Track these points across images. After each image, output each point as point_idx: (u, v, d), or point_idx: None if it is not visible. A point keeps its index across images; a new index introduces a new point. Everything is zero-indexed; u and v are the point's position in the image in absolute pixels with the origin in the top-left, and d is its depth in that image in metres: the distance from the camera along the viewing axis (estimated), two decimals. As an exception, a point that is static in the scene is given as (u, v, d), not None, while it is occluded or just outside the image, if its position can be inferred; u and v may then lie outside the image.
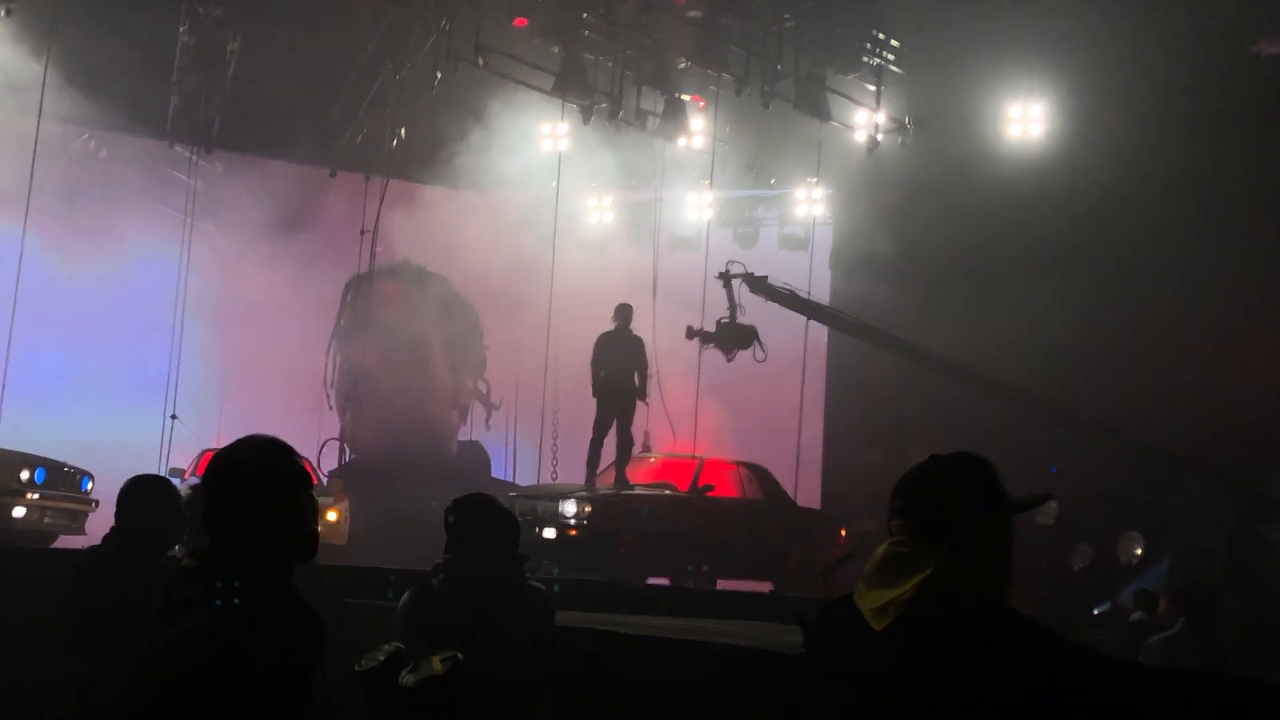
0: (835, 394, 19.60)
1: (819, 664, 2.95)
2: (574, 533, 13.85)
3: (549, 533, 13.76)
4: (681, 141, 19.25)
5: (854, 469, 18.39)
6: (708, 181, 19.77)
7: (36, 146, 15.75)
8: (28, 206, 15.55)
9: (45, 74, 15.68)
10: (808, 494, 17.95)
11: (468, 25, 16.53)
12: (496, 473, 20.00)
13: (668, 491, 14.99)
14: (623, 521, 14.08)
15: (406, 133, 18.91)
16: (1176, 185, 15.03)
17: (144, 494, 5.51)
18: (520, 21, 17.06)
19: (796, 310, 16.94)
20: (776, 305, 16.67)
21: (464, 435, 19.90)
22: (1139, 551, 14.43)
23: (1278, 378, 14.35)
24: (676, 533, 14.35)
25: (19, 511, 12.17)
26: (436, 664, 4.36)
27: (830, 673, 2.91)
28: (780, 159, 20.33)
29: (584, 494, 14.34)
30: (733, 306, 16.18)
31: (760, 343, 16.10)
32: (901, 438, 16.79)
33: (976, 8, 16.11)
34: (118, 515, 5.49)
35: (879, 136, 18.20)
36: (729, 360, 16.45)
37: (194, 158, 19.15)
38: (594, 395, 15.07)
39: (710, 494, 14.85)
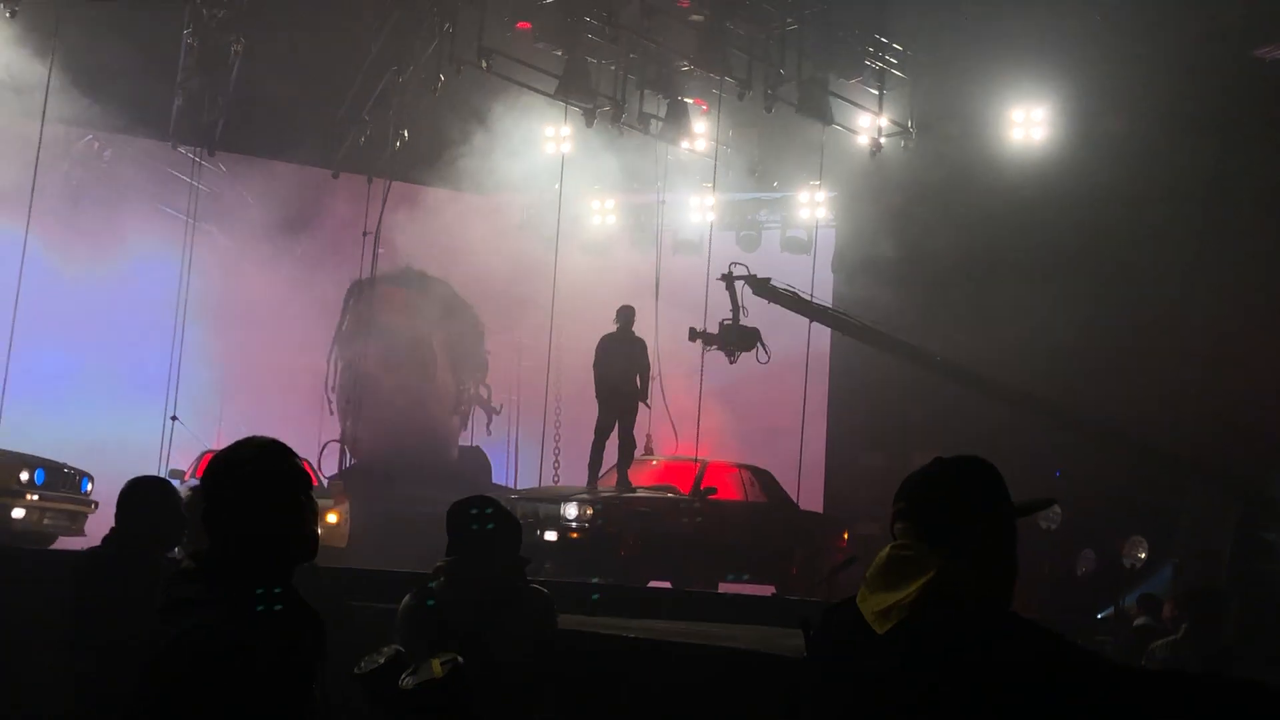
0: (838, 397, 19.59)
1: (821, 667, 2.94)
2: (575, 535, 13.83)
3: (550, 535, 13.74)
4: (684, 145, 19.25)
5: (857, 472, 18.39)
6: (710, 185, 19.76)
7: (40, 147, 15.75)
8: (30, 207, 15.55)
9: (49, 75, 15.69)
10: (810, 497, 17.93)
11: (471, 28, 16.52)
12: (498, 476, 20.00)
13: (670, 494, 14.97)
14: (624, 524, 14.07)
15: (409, 135, 18.92)
16: (1178, 188, 15.03)
17: (144, 495, 5.51)
18: (523, 25, 17.07)
19: (799, 312, 16.92)
20: (779, 308, 16.65)
21: (465, 440, 19.89)
22: (1143, 556, 14.38)
23: (1280, 380, 14.35)
24: (678, 535, 14.34)
25: (18, 512, 12.17)
26: (436, 666, 4.35)
27: (832, 675, 2.90)
28: (783, 162, 20.33)
29: (586, 496, 14.33)
30: (735, 308, 16.15)
31: (763, 344, 16.09)
32: (904, 441, 16.80)
33: (978, 12, 16.11)
34: (118, 516, 5.49)
35: (881, 140, 18.20)
36: (732, 362, 16.43)
37: (197, 159, 19.18)
38: (596, 397, 15.07)
39: (713, 497, 14.84)
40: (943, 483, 2.93)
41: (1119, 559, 14.54)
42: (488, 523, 4.97)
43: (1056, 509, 13.54)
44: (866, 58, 17.80)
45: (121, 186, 19.58)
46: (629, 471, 14.88)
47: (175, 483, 8.63)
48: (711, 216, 20.29)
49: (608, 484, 14.82)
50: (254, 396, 18.91)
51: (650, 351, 15.50)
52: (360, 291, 19.19)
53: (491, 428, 20.50)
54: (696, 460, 15.75)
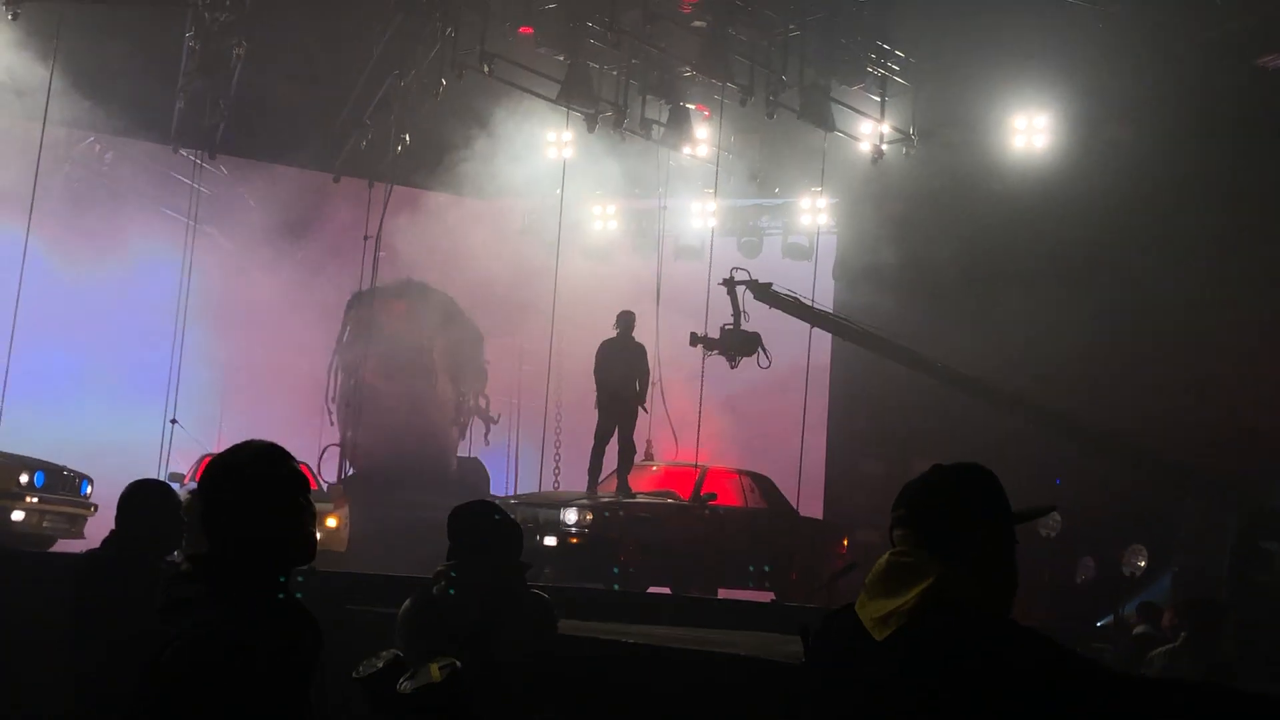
0: (839, 404, 19.59)
1: (820, 673, 2.94)
2: (575, 541, 13.82)
3: (550, 540, 13.72)
4: (686, 150, 19.25)
5: (857, 478, 18.40)
6: (712, 190, 19.77)
7: (41, 150, 15.78)
8: (31, 209, 15.57)
9: (51, 78, 15.72)
10: (810, 503, 17.93)
11: (473, 32, 16.54)
12: (498, 480, 19.96)
13: (670, 500, 14.97)
14: (624, 529, 14.06)
15: (411, 139, 18.92)
16: (1180, 197, 15.02)
17: (145, 498, 5.52)
18: (526, 29, 17.06)
19: (801, 317, 16.92)
20: (780, 316, 16.65)
21: (463, 451, 19.86)
22: (1143, 564, 14.39)
23: (1281, 390, 14.35)
24: (678, 541, 14.34)
25: (18, 515, 12.18)
26: (435, 671, 4.35)
27: (831, 682, 2.90)
28: (784, 168, 20.35)
29: (586, 501, 14.32)
30: (737, 313, 16.16)
31: (764, 349, 16.09)
32: (904, 448, 16.79)
33: (981, 19, 16.09)
34: (118, 519, 5.49)
35: (883, 147, 18.20)
36: (733, 367, 16.43)
37: (198, 162, 19.20)
38: (596, 403, 15.08)
39: (713, 503, 14.84)
40: (942, 490, 2.93)
41: (1119, 567, 14.54)
42: (489, 527, 4.97)
43: (1056, 516, 13.55)
44: (869, 64, 17.79)
45: (122, 189, 19.61)
46: (629, 477, 14.88)
47: (175, 486, 8.64)
48: (713, 222, 20.29)
49: (608, 489, 14.82)
50: (254, 400, 18.92)
51: (651, 357, 15.51)
52: (360, 302, 19.16)
53: (491, 433, 20.47)
54: (696, 466, 15.74)
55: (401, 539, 14.10)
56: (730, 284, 16.21)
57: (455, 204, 19.31)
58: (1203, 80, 15.02)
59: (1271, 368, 14.42)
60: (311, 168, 20.05)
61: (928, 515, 2.90)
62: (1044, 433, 15.51)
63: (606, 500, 14.46)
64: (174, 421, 17.18)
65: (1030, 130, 17.35)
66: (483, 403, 19.62)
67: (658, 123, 18.29)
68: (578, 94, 17.16)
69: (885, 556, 2.92)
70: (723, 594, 14.61)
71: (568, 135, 18.96)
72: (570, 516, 13.92)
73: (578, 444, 17.75)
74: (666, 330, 17.02)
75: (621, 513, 14.23)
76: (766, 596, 15.11)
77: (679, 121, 18.15)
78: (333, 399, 18.66)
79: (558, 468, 20.15)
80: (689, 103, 18.44)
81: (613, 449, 14.96)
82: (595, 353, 15.16)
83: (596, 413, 15.19)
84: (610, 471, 15.02)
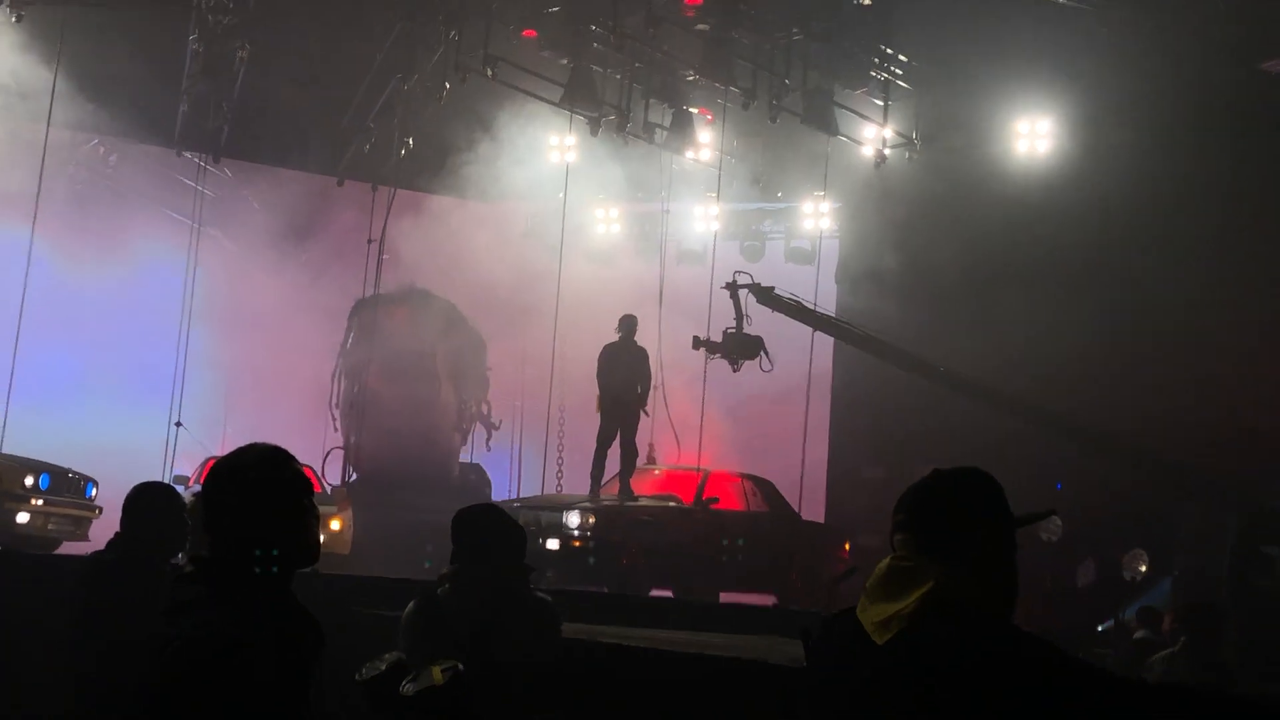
0: (840, 408, 19.58)
1: (821, 677, 2.95)
2: (578, 544, 13.83)
3: (553, 543, 13.73)
4: (689, 154, 19.28)
5: (858, 483, 18.38)
6: (714, 194, 19.77)
7: (45, 152, 15.81)
8: (36, 211, 15.61)
9: (55, 81, 15.75)
10: (812, 507, 17.94)
11: (477, 36, 16.56)
12: (500, 483, 19.98)
13: (672, 503, 14.98)
14: (627, 533, 14.07)
15: (415, 142, 18.95)
16: (1183, 201, 15.02)
17: (150, 501, 5.53)
18: (529, 33, 17.09)
19: (803, 321, 16.93)
20: (782, 320, 16.65)
21: (465, 456, 19.87)
22: (1143, 569, 14.36)
23: (1281, 392, 14.35)
24: (680, 545, 14.34)
25: (23, 517, 12.21)
26: (437, 674, 4.36)
27: (832, 685, 2.91)
28: (787, 173, 20.34)
29: (588, 505, 14.33)
30: (739, 316, 16.17)
31: (766, 353, 16.11)
32: (906, 452, 16.76)
33: (984, 24, 16.09)
34: (123, 521, 5.51)
35: (886, 151, 18.20)
36: (735, 370, 16.44)
37: (203, 165, 19.22)
38: (598, 407, 15.09)
39: (715, 506, 14.85)
40: (942, 494, 2.94)
41: (1119, 571, 14.52)
42: (492, 529, 4.99)
43: (1057, 520, 13.51)
44: (871, 69, 17.80)
45: (126, 191, 19.66)
46: (631, 480, 14.89)
47: (180, 489, 8.66)
48: (716, 226, 20.30)
49: (610, 493, 14.83)
50: (259, 402, 18.95)
51: (653, 360, 15.51)
52: (364, 309, 19.19)
53: (495, 435, 20.49)
54: (699, 470, 15.76)
55: (404, 542, 14.16)
56: (733, 288, 16.22)
57: (458, 207, 19.34)
58: (1206, 84, 15.02)
59: (1271, 368, 14.42)
60: (315, 171, 20.09)
61: (928, 519, 2.91)
62: (1044, 433, 15.50)
63: (609, 504, 14.47)
64: (178, 424, 17.19)
65: (1033, 135, 17.34)
66: (484, 409, 19.66)
67: (661, 126, 18.31)
68: (581, 97, 17.17)
69: (886, 561, 2.93)
70: (724, 597, 14.62)
71: (571, 139, 18.98)
72: (573, 520, 13.94)
73: (580, 447, 17.76)
74: (669, 334, 17.03)
75: (624, 516, 14.24)
76: (768, 600, 15.11)
77: (682, 125, 18.16)
78: (336, 404, 18.70)
79: (560, 471, 20.17)
80: (692, 106, 18.45)
81: (615, 453, 14.97)
82: (598, 356, 15.17)
83: (599, 416, 15.20)
84: (613, 475, 15.03)
